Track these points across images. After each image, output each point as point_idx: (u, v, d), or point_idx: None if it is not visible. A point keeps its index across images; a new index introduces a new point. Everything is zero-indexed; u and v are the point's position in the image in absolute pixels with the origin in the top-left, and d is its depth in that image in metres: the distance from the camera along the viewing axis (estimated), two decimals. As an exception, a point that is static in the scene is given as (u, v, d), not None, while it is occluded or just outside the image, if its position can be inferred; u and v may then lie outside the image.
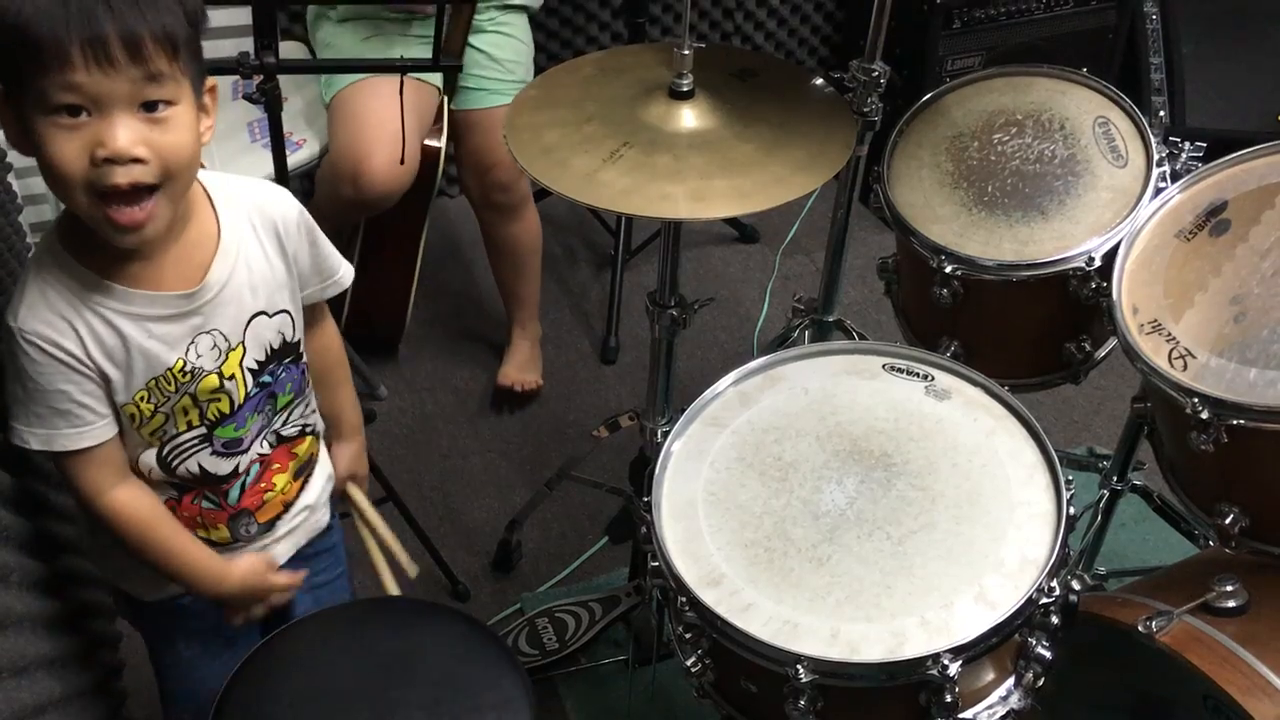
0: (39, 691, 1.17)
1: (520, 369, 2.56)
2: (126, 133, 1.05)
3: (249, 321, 1.25)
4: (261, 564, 1.36)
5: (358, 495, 1.56)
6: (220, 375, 1.24)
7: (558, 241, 2.98)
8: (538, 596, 2.14)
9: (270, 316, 1.28)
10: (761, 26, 3.16)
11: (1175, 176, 1.61)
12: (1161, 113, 3.04)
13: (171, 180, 1.10)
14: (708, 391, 1.43)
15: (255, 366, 1.28)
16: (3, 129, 1.10)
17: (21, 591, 1.21)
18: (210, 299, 1.21)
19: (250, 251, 1.25)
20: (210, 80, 1.16)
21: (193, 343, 1.21)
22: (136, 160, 1.06)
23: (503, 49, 2.30)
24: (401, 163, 2.09)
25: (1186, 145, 1.65)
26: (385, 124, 2.07)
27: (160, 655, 1.43)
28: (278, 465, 1.36)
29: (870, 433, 1.36)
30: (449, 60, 1.69)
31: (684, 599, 1.22)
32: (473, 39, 2.23)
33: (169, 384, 1.21)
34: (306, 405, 1.39)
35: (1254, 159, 1.51)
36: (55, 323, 1.14)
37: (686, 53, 1.47)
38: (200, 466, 1.28)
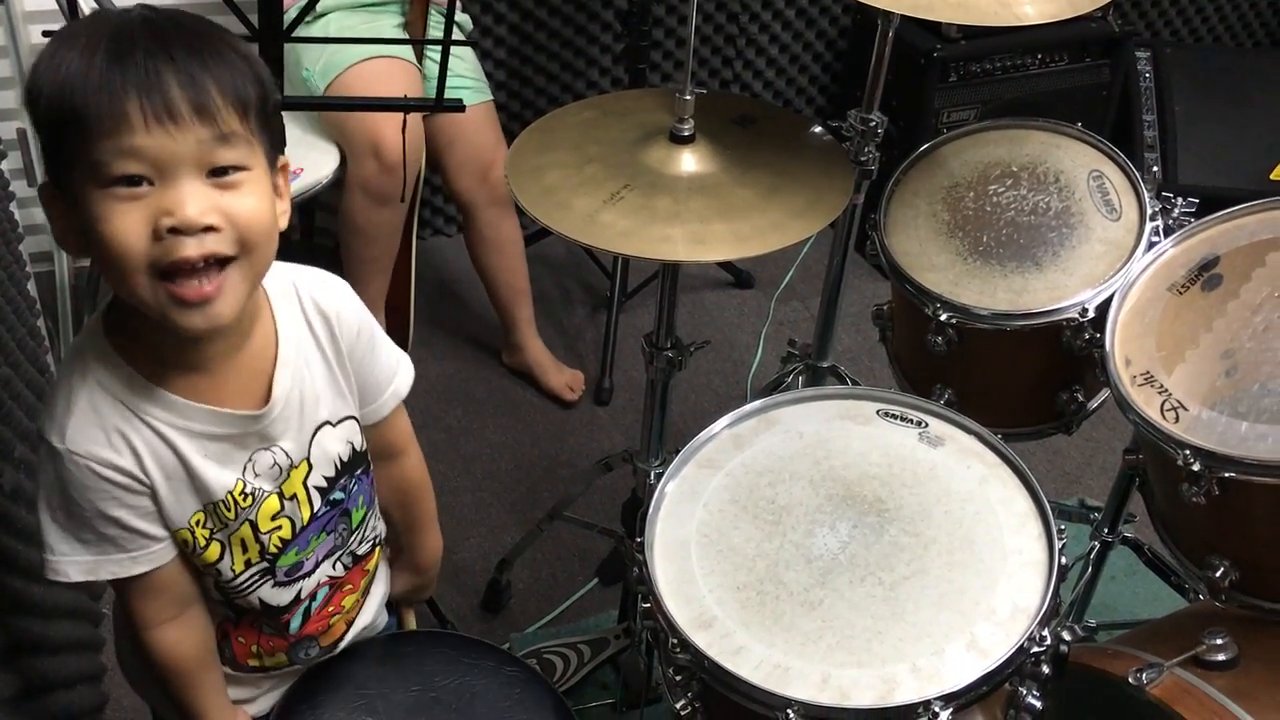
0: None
1: (561, 371, 2.65)
2: (196, 199, 0.93)
3: (314, 435, 1.14)
4: None
5: (409, 621, 1.46)
6: (281, 496, 1.13)
7: (554, 283, 2.99)
8: (526, 637, 2.13)
9: (335, 425, 1.16)
10: (760, 75, 3.20)
11: (1168, 231, 1.63)
12: (1154, 169, 3.08)
13: (248, 253, 0.97)
14: (702, 433, 1.43)
15: (324, 484, 1.17)
16: (51, 224, 0.98)
17: (10, 619, 1.20)
18: (275, 416, 1.10)
19: (310, 356, 1.13)
20: (283, 159, 1.04)
21: (250, 460, 1.10)
22: (209, 230, 0.94)
23: (461, 50, 2.36)
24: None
25: (1179, 200, 1.67)
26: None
27: None
28: (350, 586, 1.27)
29: (863, 478, 1.37)
30: (449, 101, 1.71)
31: (675, 641, 1.22)
32: (431, 51, 2.28)
33: (228, 510, 1.10)
34: (375, 515, 1.29)
35: (1245, 215, 1.52)
36: (109, 439, 1.02)
37: (688, 98, 1.49)
38: (260, 600, 1.17)
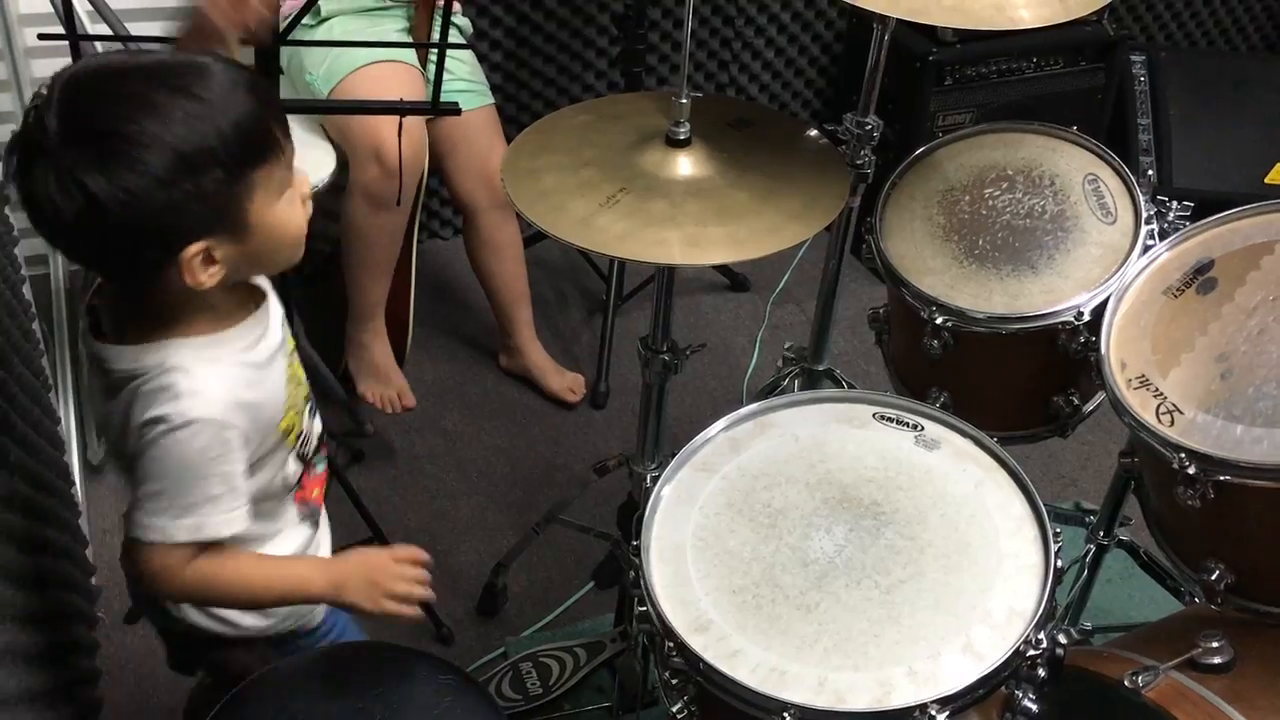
0: (18, 726, 1.16)
1: (562, 375, 2.65)
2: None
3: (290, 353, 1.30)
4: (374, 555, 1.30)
5: None
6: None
7: (550, 285, 2.99)
8: (522, 641, 2.13)
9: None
10: (756, 79, 3.20)
11: (1163, 235, 1.63)
12: (1150, 172, 3.08)
13: None
14: (698, 437, 1.43)
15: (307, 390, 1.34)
16: (200, 282, 1.10)
17: (6, 625, 1.20)
18: (269, 309, 1.26)
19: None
20: None
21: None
22: None
23: (462, 53, 2.35)
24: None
25: (1174, 204, 1.67)
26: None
27: None
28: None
29: (860, 481, 1.37)
30: (445, 105, 1.71)
31: (671, 644, 1.22)
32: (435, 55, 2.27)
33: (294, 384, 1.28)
34: None
35: (1240, 219, 1.53)
36: (232, 401, 1.16)
37: (684, 101, 1.49)
38: (306, 453, 1.34)
